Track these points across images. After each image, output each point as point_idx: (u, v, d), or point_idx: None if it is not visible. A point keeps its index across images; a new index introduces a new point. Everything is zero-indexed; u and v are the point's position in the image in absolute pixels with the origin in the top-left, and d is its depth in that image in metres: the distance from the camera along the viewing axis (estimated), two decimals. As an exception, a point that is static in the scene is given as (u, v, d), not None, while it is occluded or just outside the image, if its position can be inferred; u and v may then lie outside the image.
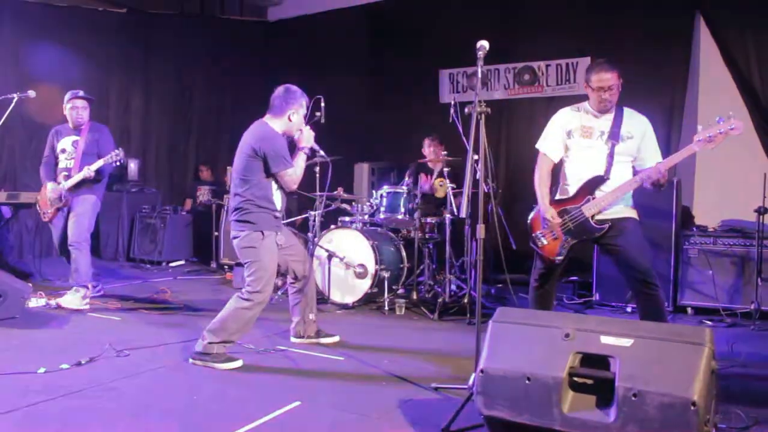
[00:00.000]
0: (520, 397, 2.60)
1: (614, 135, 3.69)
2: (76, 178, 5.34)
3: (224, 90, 9.59)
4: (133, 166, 8.51)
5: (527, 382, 2.60)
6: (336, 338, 4.50)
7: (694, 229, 5.74)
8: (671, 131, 6.87)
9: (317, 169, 6.22)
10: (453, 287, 5.79)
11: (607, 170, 3.68)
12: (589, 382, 2.57)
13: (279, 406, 3.18)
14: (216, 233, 7.86)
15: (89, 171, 5.29)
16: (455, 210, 5.60)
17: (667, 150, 6.07)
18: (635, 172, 3.77)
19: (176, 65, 9.09)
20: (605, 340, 2.59)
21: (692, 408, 2.31)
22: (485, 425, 2.78)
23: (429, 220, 5.95)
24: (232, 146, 9.46)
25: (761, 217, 5.21)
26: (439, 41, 8.14)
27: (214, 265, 7.89)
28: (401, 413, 3.15)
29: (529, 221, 3.97)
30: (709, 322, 5.31)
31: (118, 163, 5.33)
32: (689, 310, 5.61)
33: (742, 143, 6.24)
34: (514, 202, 7.12)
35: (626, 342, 2.55)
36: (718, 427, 2.86)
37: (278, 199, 4.13)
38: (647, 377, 2.42)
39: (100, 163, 5.29)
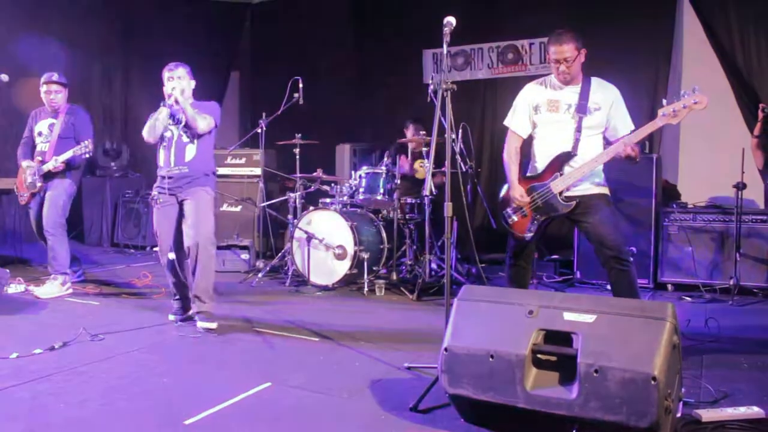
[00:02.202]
0: (483, 375, 2.59)
1: (581, 108, 3.65)
2: (45, 168, 5.31)
3: (208, 72, 9.47)
4: (125, 152, 8.52)
5: (491, 359, 2.58)
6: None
7: (674, 205, 5.73)
8: (655, 104, 6.84)
9: (297, 150, 6.20)
10: (434, 266, 5.78)
11: (575, 145, 3.64)
12: (552, 359, 2.56)
13: (249, 387, 3.18)
14: (200, 217, 7.81)
15: (56, 163, 5.25)
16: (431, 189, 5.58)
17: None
18: (606, 144, 3.75)
19: (159, 47, 8.94)
20: (568, 316, 2.58)
21: (653, 383, 2.29)
22: (451, 404, 2.78)
23: (408, 200, 5.93)
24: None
25: (740, 192, 5.21)
26: (424, 21, 7.99)
27: (197, 248, 7.85)
28: (371, 392, 3.15)
29: (500, 198, 3.95)
30: (689, 299, 5.33)
31: (87, 155, 5.26)
32: (670, 286, 5.63)
33: (726, 118, 6.24)
34: (498, 181, 7.10)
35: (589, 318, 2.54)
36: (685, 402, 2.86)
37: (162, 158, 4.51)
38: (609, 353, 2.41)
39: (68, 154, 5.23)
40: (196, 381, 3.32)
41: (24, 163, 5.43)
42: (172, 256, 4.44)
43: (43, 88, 5.44)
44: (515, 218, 3.82)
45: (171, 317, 4.50)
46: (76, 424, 2.77)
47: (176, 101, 4.31)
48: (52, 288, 5.27)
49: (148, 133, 4.43)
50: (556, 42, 3.64)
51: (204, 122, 4.39)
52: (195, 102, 4.52)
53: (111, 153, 8.42)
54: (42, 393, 3.10)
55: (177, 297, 4.54)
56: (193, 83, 4.55)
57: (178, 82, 4.43)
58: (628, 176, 5.42)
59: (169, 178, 4.41)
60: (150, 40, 8.83)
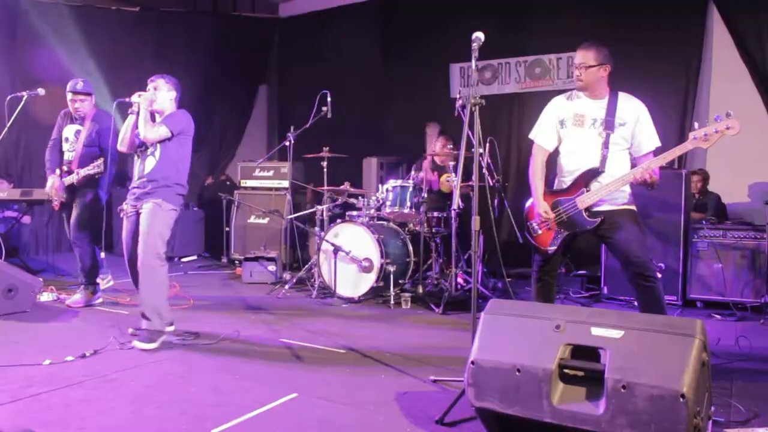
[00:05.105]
0: (510, 389, 2.59)
1: (608, 124, 3.65)
2: (67, 181, 5.37)
3: (236, 86, 9.63)
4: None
5: (517, 373, 2.58)
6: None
7: (704, 222, 5.66)
8: (684, 121, 6.80)
9: (324, 163, 6.26)
10: (460, 280, 5.78)
11: (603, 162, 3.63)
12: (580, 373, 2.54)
13: (276, 397, 3.21)
14: (227, 228, 7.92)
15: (78, 176, 5.31)
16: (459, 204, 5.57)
17: (679, 138, 6.02)
18: (632, 159, 3.74)
19: (189, 62, 9.13)
20: (595, 331, 2.56)
21: (681, 400, 2.27)
22: (477, 417, 2.77)
23: (435, 214, 5.95)
24: (245, 141, 9.49)
25: (771, 208, 5.15)
26: (451, 35, 8.10)
27: (224, 260, 7.95)
28: (398, 405, 3.16)
29: (525, 210, 3.96)
30: (719, 316, 5.25)
31: (98, 175, 5.28)
32: (699, 304, 5.55)
33: (756, 132, 6.17)
34: (525, 195, 7.06)
35: (616, 333, 2.52)
36: (715, 420, 2.83)
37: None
38: (637, 369, 2.39)
39: (82, 172, 5.27)
40: (224, 390, 3.36)
41: (50, 180, 5.46)
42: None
43: (69, 96, 5.44)
44: (539, 231, 3.82)
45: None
46: (108, 430, 2.81)
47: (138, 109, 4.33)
48: (82, 297, 5.35)
49: (119, 143, 4.45)
50: (579, 48, 3.72)
51: (152, 132, 4.30)
52: (170, 114, 4.48)
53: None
54: (74, 399, 3.16)
55: None
56: (172, 94, 4.52)
57: (151, 92, 4.42)
58: (656, 192, 5.35)
59: (134, 188, 4.40)
60: (181, 55, 8.99)
